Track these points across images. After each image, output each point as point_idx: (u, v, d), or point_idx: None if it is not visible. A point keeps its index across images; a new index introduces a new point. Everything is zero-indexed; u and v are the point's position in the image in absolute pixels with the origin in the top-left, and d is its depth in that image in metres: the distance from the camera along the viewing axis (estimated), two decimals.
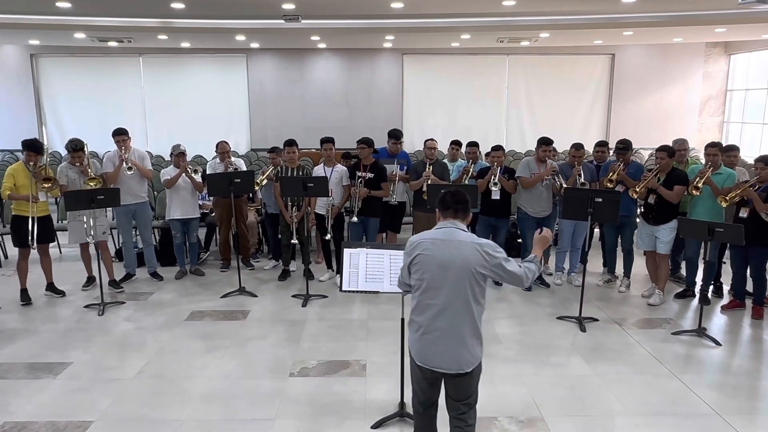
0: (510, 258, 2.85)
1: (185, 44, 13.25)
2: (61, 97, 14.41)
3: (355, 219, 6.14)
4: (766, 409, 3.94)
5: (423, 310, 2.80)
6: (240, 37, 12.01)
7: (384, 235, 6.81)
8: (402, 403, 3.75)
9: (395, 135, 6.80)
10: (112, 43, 12.77)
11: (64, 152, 6.37)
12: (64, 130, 14.22)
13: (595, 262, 7.01)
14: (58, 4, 8.36)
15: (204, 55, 14.22)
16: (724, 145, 6.03)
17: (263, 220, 7.38)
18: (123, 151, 6.20)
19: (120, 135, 6.24)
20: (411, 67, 14.50)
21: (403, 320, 3.65)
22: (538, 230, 3.24)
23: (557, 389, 4.16)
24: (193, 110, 14.39)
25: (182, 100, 14.43)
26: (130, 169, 6.14)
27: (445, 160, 7.10)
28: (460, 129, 13.54)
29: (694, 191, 5.52)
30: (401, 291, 3.06)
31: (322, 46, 13.67)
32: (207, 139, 11.81)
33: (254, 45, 13.58)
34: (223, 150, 6.79)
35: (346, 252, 3.56)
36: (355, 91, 14.42)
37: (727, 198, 5.29)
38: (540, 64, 14.29)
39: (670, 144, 6.04)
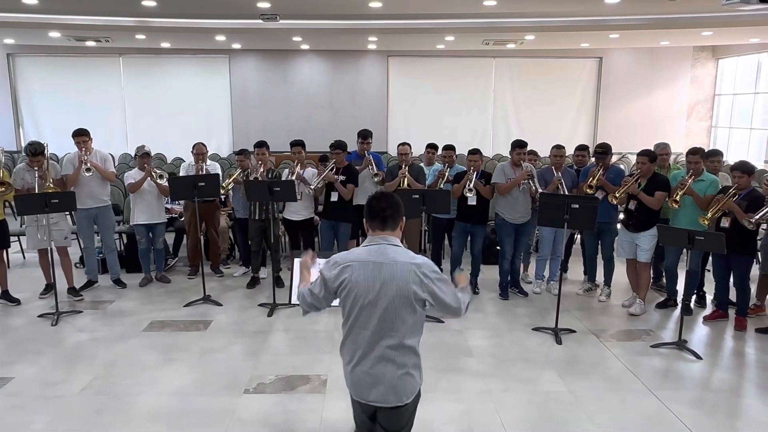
0: (449, 283, 2.53)
1: (165, 44, 12.98)
2: (38, 98, 14.08)
3: (306, 190, 5.99)
4: (745, 429, 3.72)
5: (355, 340, 2.48)
6: (220, 38, 11.76)
7: (357, 241, 6.57)
8: None
9: (364, 135, 6.59)
10: (90, 43, 12.48)
11: None
12: (42, 131, 13.90)
13: (577, 270, 6.80)
14: (24, 0, 8.08)
15: (185, 56, 13.95)
16: (706, 151, 5.84)
17: (234, 225, 7.12)
18: (83, 153, 5.93)
19: (80, 136, 5.96)
20: (396, 69, 14.29)
21: None
22: (459, 269, 2.86)
23: (527, 407, 3.93)
24: (175, 112, 14.11)
25: (163, 101, 14.14)
26: (88, 170, 5.86)
27: (422, 164, 6.87)
28: (447, 132, 13.28)
29: (673, 204, 5.32)
30: (302, 309, 2.67)
31: (305, 47, 13.44)
32: (188, 142, 11.55)
33: (236, 46, 13.34)
34: (199, 152, 6.53)
35: (297, 262, 3.31)
36: (340, 94, 14.20)
37: (708, 217, 5.09)
38: (527, 67, 14.12)
39: (652, 148, 5.85)
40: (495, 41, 11.93)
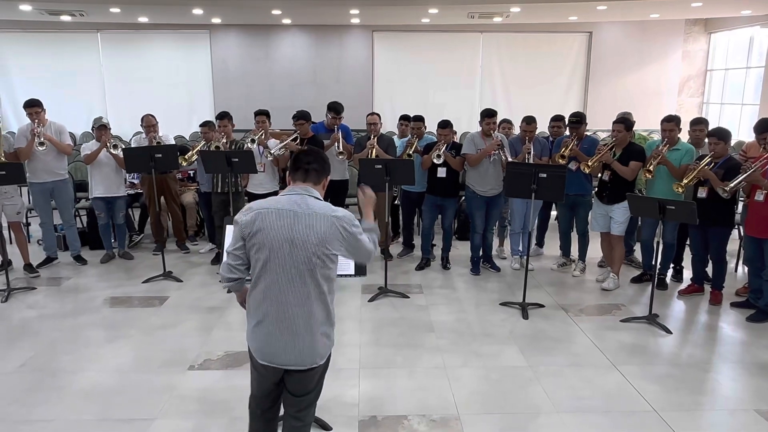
0: (366, 231, 2.47)
1: (143, 19, 12.62)
2: (15, 75, 13.72)
3: (266, 155, 5.85)
4: (709, 404, 3.55)
5: (265, 296, 2.35)
6: (198, 11, 11.42)
7: None
8: None
9: (335, 109, 6.31)
10: (65, 18, 12.12)
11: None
12: (20, 110, 13.55)
13: (554, 246, 6.58)
14: None
15: (165, 31, 13.60)
16: (691, 119, 5.59)
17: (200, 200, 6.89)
18: (35, 125, 5.68)
19: (32, 107, 5.72)
20: (381, 44, 13.94)
21: None
22: (361, 189, 2.81)
23: (482, 383, 3.75)
24: (155, 89, 13.78)
25: (143, 78, 13.80)
26: (41, 144, 5.62)
27: (394, 136, 6.64)
28: (434, 109, 13.01)
29: (646, 174, 5.09)
30: (224, 284, 2.53)
31: (286, 21, 13.09)
32: (170, 119, 11.33)
33: (216, 20, 12.98)
34: (148, 123, 6.27)
35: (228, 229, 3.09)
36: (324, 70, 13.87)
37: (683, 184, 4.86)
38: (515, 42, 13.78)
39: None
40: (480, 14, 11.58)
